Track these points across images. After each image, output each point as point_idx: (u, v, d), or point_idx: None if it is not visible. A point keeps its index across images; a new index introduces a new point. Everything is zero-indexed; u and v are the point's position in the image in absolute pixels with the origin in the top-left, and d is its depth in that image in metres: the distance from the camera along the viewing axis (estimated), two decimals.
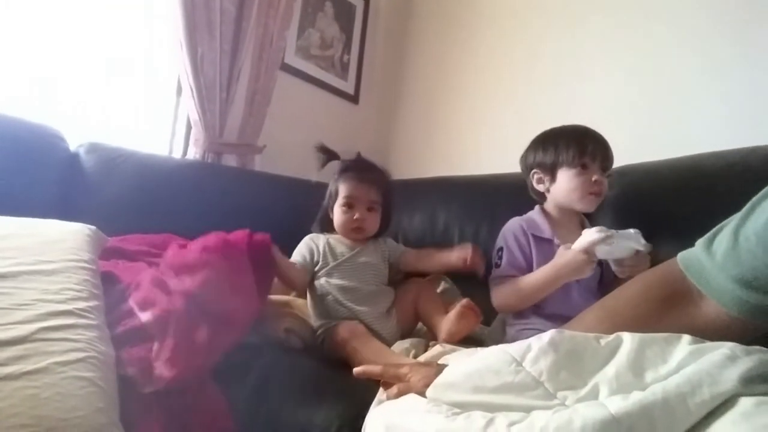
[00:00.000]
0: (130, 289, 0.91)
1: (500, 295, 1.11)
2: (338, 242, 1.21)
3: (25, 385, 0.52)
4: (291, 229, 1.25)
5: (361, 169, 1.24)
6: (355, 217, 1.18)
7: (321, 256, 1.18)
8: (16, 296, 0.64)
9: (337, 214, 1.20)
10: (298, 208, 1.39)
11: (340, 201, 1.20)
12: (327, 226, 1.24)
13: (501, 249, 1.14)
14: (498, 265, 1.14)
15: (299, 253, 1.19)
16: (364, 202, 1.19)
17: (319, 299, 1.15)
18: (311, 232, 1.25)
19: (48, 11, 1.46)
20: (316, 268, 1.17)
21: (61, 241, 0.81)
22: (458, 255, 1.13)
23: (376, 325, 1.11)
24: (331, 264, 1.17)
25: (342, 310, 1.11)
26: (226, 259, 0.97)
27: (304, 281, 1.17)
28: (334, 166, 1.26)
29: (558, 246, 1.08)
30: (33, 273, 0.70)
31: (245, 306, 0.97)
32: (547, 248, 1.11)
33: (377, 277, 1.19)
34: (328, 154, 1.26)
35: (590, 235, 0.99)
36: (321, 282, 1.16)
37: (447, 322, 1.02)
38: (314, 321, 1.16)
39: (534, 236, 1.12)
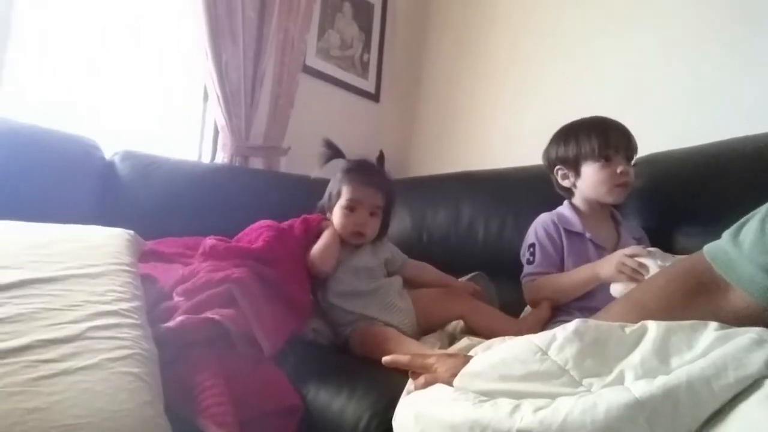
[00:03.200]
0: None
1: (535, 293, 1.10)
2: None
3: (80, 379, 0.56)
4: None
5: (367, 172, 1.19)
6: (356, 221, 1.14)
7: None
8: (67, 298, 0.69)
9: (338, 216, 1.16)
10: None
11: (342, 203, 1.15)
12: None
13: (533, 245, 1.14)
14: (531, 262, 1.13)
15: None
16: (368, 206, 1.15)
17: (323, 312, 1.13)
18: None
19: (79, 25, 1.52)
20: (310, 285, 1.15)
21: (104, 246, 0.85)
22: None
23: (389, 311, 1.08)
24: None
25: (349, 316, 1.09)
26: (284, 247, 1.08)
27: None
28: (338, 164, 1.22)
29: (590, 240, 1.09)
30: (80, 276, 0.74)
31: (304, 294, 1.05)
32: (578, 242, 1.11)
33: (373, 278, 1.15)
34: (333, 151, 1.22)
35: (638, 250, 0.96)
36: (318, 297, 1.14)
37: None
38: (332, 326, 1.14)
39: (566, 230, 1.12)
